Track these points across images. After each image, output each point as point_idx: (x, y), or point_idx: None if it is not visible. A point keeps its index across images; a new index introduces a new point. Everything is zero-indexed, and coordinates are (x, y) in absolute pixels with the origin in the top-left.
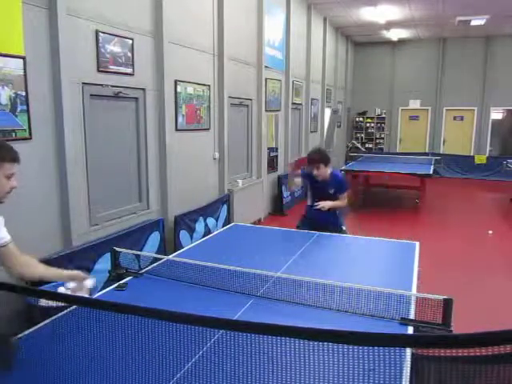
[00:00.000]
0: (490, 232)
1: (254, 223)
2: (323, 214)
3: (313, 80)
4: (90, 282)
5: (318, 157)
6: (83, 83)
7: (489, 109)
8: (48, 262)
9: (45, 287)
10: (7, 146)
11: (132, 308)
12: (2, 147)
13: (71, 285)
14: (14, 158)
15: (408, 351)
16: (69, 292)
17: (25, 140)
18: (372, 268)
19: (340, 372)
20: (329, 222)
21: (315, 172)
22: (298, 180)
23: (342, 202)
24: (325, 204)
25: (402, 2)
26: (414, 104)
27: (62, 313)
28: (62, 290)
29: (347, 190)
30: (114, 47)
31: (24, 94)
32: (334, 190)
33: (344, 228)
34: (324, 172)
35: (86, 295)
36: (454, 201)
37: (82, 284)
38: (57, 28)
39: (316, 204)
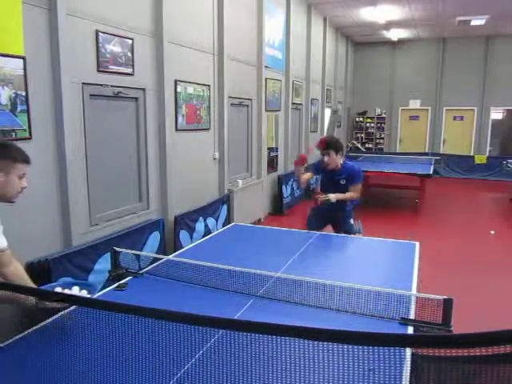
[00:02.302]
0: (492, 232)
1: (254, 223)
2: (331, 205)
3: (313, 80)
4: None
5: (330, 142)
6: (83, 83)
7: (489, 109)
8: (48, 262)
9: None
10: (17, 147)
11: (132, 308)
12: (13, 148)
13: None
14: (26, 159)
15: (408, 351)
16: (67, 291)
17: (25, 140)
18: (372, 268)
19: (340, 372)
20: (336, 213)
21: (326, 159)
22: (308, 174)
23: (352, 194)
24: (331, 196)
25: (402, 2)
26: (414, 104)
27: (62, 313)
28: (59, 289)
29: (360, 181)
30: (114, 47)
31: (24, 93)
32: (345, 181)
33: (352, 221)
34: (334, 160)
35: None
36: (454, 201)
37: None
38: (57, 28)
39: (324, 196)
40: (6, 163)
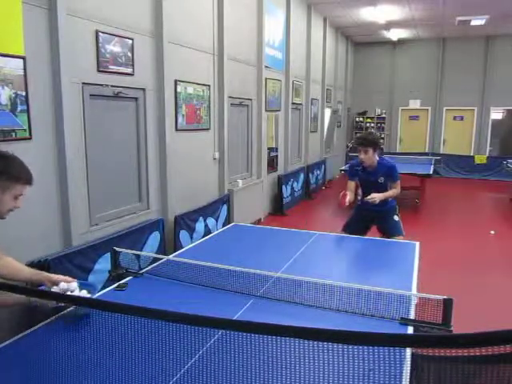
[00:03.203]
0: (492, 232)
1: (254, 223)
2: (374, 206)
3: (313, 80)
4: (73, 285)
5: (369, 139)
6: (83, 83)
7: (489, 109)
8: (48, 262)
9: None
10: (24, 166)
11: (132, 308)
12: (15, 165)
13: (55, 289)
14: (27, 181)
15: (408, 351)
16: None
17: (25, 140)
18: (372, 268)
19: (340, 372)
20: (379, 211)
21: (361, 156)
22: (349, 197)
23: (394, 191)
24: (375, 196)
25: (402, 2)
26: (414, 104)
27: (62, 313)
28: (56, 289)
29: (398, 176)
30: (114, 47)
31: (24, 93)
32: (383, 179)
33: (397, 219)
34: (371, 158)
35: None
36: (454, 201)
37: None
38: (57, 28)
39: (369, 198)
40: (4, 181)
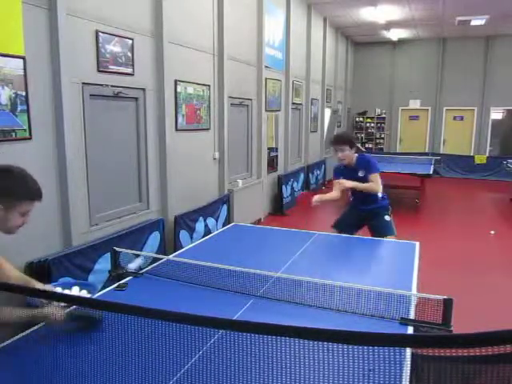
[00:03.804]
0: (492, 232)
1: (254, 223)
2: (363, 203)
3: (313, 80)
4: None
5: (343, 137)
6: (83, 83)
7: (489, 109)
8: (48, 262)
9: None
10: (32, 183)
11: (132, 308)
12: (27, 185)
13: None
14: (34, 197)
15: (408, 351)
16: (67, 291)
17: (25, 140)
18: (372, 268)
19: (340, 372)
20: (370, 208)
21: (339, 155)
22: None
23: (370, 184)
24: (344, 181)
25: (402, 2)
26: (414, 104)
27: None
28: (59, 289)
29: (375, 171)
30: (114, 47)
31: (24, 93)
32: (364, 172)
33: (388, 218)
34: (349, 155)
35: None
36: (454, 201)
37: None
38: (57, 28)
39: (338, 181)
40: (9, 199)
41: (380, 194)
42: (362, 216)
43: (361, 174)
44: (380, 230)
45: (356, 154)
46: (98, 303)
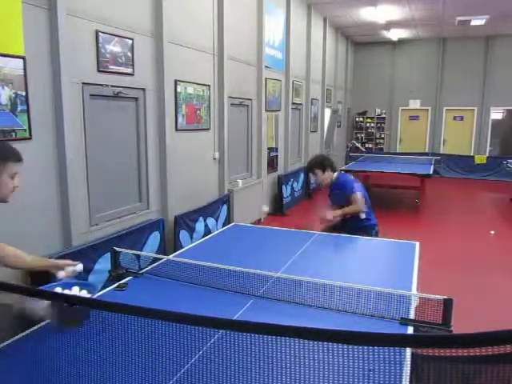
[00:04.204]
0: (492, 232)
1: (254, 223)
2: (343, 225)
3: (313, 80)
4: (79, 267)
5: (312, 162)
6: (83, 83)
7: (489, 109)
8: None
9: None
10: (9, 146)
11: (132, 308)
12: (4, 147)
13: (61, 274)
14: (18, 158)
15: (408, 351)
16: (67, 291)
17: (25, 140)
18: (372, 268)
19: (340, 372)
20: (359, 231)
21: (313, 178)
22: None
23: (351, 207)
24: (330, 214)
25: (402, 2)
26: (414, 104)
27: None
28: (59, 289)
29: (352, 191)
30: (114, 47)
31: (24, 93)
32: (340, 194)
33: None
34: (323, 178)
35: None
36: (454, 201)
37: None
38: (57, 28)
39: (322, 214)
40: None
41: (363, 215)
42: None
43: (341, 194)
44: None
45: (335, 174)
46: (98, 303)
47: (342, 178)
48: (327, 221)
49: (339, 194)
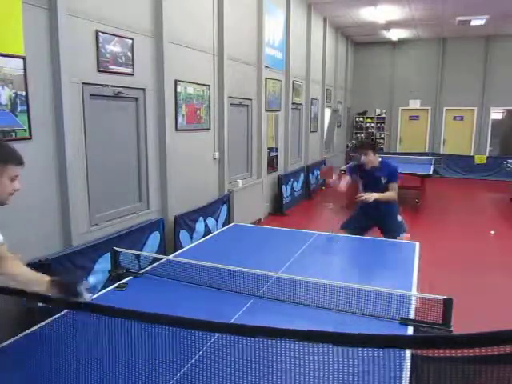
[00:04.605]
0: (492, 232)
1: (254, 223)
2: (376, 207)
3: (313, 80)
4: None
5: (365, 143)
6: (83, 83)
7: (489, 109)
8: (48, 261)
9: None
10: (11, 147)
11: (127, 312)
12: (6, 149)
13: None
14: (19, 161)
15: (408, 351)
16: None
17: (25, 140)
18: (372, 268)
19: (340, 373)
20: (383, 210)
21: (363, 158)
22: (344, 182)
23: (391, 193)
24: (369, 196)
25: (402, 2)
26: (414, 104)
27: (59, 314)
28: None
29: (397, 180)
30: (114, 47)
31: (24, 93)
32: (386, 179)
33: (400, 219)
34: (372, 159)
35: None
36: (454, 201)
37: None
38: (57, 28)
39: (363, 195)
40: None
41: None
42: (373, 217)
43: (384, 180)
44: (394, 231)
45: (379, 158)
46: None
47: (391, 164)
48: (362, 200)
49: (378, 178)
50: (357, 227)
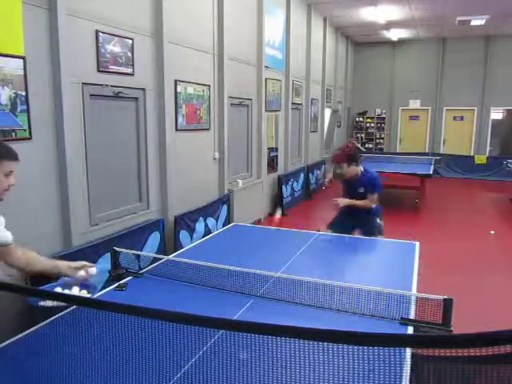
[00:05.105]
0: (492, 232)
1: (254, 223)
2: (354, 209)
3: (313, 80)
4: (93, 270)
5: (340, 156)
6: (83, 83)
7: (489, 109)
8: None
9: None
10: (5, 144)
11: (131, 308)
12: (2, 145)
13: (81, 274)
14: (13, 156)
15: (408, 351)
16: (67, 291)
17: (25, 140)
18: (372, 268)
19: (340, 372)
20: (361, 214)
21: (339, 170)
22: (278, 216)
23: (365, 202)
24: (341, 201)
25: (402, 2)
26: (414, 104)
27: (62, 313)
28: (59, 289)
29: (376, 191)
30: (114, 47)
31: (24, 93)
32: (363, 189)
33: (379, 222)
34: (349, 171)
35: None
36: (454, 201)
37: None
38: (57, 28)
39: (334, 200)
40: None
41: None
42: (352, 219)
43: (361, 190)
44: (368, 232)
45: (361, 169)
46: (98, 303)
47: (370, 174)
48: (335, 204)
49: (356, 189)
50: (340, 227)
